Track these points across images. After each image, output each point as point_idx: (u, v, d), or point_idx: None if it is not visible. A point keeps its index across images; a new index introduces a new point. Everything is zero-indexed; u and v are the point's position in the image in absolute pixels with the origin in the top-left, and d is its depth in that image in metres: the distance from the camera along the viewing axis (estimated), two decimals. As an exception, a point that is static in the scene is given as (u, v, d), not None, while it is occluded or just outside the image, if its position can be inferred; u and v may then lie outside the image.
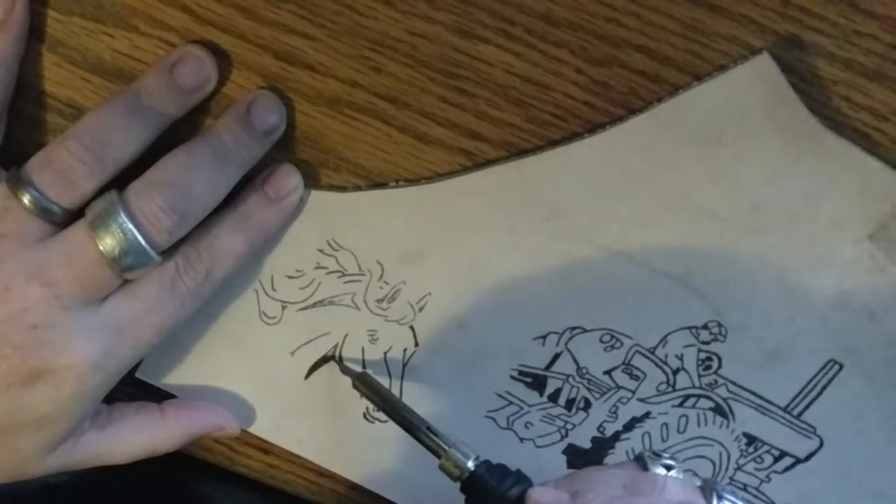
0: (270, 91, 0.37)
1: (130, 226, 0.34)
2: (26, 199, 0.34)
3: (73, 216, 0.35)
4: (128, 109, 0.35)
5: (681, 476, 0.33)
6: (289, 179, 0.38)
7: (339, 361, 0.41)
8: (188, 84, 0.35)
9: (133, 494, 0.45)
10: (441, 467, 0.35)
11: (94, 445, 0.38)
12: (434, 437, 0.36)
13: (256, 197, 0.37)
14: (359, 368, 0.41)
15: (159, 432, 0.39)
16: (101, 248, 0.34)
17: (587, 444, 0.43)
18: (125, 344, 0.36)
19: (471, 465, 0.35)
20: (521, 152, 0.37)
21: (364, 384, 0.39)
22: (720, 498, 0.32)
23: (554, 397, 0.42)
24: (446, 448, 0.35)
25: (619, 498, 0.31)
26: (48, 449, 0.36)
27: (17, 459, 0.36)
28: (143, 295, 0.36)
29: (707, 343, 0.40)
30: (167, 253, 0.36)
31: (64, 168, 0.34)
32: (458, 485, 0.35)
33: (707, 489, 0.32)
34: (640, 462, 0.33)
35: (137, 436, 0.39)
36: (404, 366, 0.42)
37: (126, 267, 0.34)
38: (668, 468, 0.33)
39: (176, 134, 0.36)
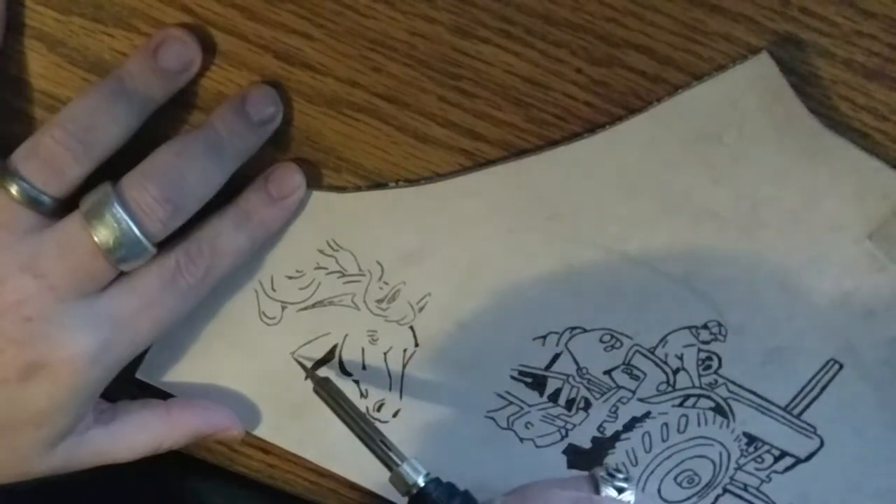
0: (266, 83, 0.36)
1: (125, 216, 0.34)
2: (14, 190, 0.34)
3: (65, 207, 0.35)
4: (112, 94, 0.34)
5: (632, 499, 0.33)
6: (292, 177, 0.37)
7: (303, 365, 0.41)
8: (172, 66, 0.35)
9: (132, 494, 0.45)
10: (391, 481, 0.36)
11: (98, 442, 0.38)
12: (387, 451, 0.36)
13: (259, 195, 0.37)
14: (360, 367, 0.41)
15: (165, 429, 0.39)
16: (95, 239, 0.34)
17: (587, 444, 0.43)
18: (123, 338, 0.36)
19: (420, 481, 0.35)
20: (521, 152, 0.37)
21: (324, 390, 0.39)
22: None
23: (554, 397, 0.42)
24: (398, 462, 0.36)
25: None
26: (48, 446, 0.36)
27: (19, 458, 0.36)
28: (142, 289, 0.35)
29: (707, 343, 0.40)
30: (168, 248, 0.36)
31: (49, 156, 0.34)
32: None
33: None
34: (594, 481, 0.34)
35: (143, 432, 0.39)
36: (404, 366, 0.42)
37: (121, 258, 0.34)
38: (620, 490, 0.33)
39: (176, 134, 0.37)
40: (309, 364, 0.41)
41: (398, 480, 0.36)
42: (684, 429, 0.43)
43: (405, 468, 0.36)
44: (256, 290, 0.40)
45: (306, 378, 0.41)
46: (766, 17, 0.34)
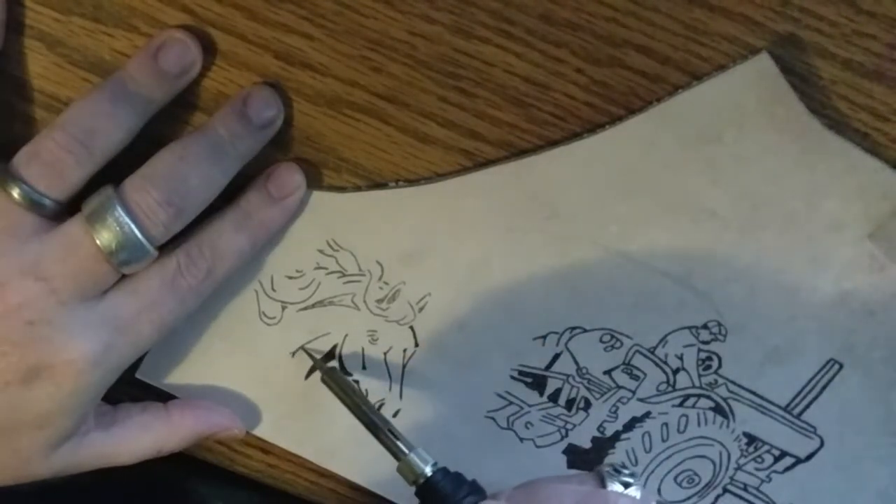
0: (268, 85, 0.36)
1: (127, 220, 0.34)
2: (16, 193, 0.34)
3: (66, 210, 0.35)
4: (113, 97, 0.35)
5: (638, 494, 0.33)
6: (292, 177, 0.37)
7: (311, 355, 0.41)
8: (173, 69, 0.35)
9: (133, 495, 0.45)
10: (398, 470, 0.36)
11: (99, 445, 0.38)
12: (395, 440, 0.36)
13: (259, 195, 0.37)
14: (360, 366, 0.41)
15: (165, 431, 0.39)
16: (97, 242, 0.34)
17: (587, 444, 0.43)
18: (124, 340, 0.36)
19: (428, 470, 0.35)
20: (521, 152, 0.37)
21: (332, 380, 0.39)
22: None
23: (554, 397, 0.42)
24: (406, 452, 0.36)
25: None
26: (50, 448, 0.36)
27: (20, 460, 0.36)
28: (143, 291, 0.35)
29: (707, 343, 0.40)
30: (168, 249, 0.36)
31: (51, 159, 0.34)
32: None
33: None
34: (599, 476, 0.34)
35: (143, 435, 0.39)
36: (404, 366, 0.42)
37: (123, 261, 0.34)
38: (626, 485, 0.33)
39: (176, 136, 0.37)
40: (317, 356, 0.41)
41: (406, 470, 0.36)
42: (684, 429, 0.43)
43: (413, 457, 0.36)
44: (256, 290, 0.40)
45: (309, 374, 0.41)
46: (766, 17, 0.34)
